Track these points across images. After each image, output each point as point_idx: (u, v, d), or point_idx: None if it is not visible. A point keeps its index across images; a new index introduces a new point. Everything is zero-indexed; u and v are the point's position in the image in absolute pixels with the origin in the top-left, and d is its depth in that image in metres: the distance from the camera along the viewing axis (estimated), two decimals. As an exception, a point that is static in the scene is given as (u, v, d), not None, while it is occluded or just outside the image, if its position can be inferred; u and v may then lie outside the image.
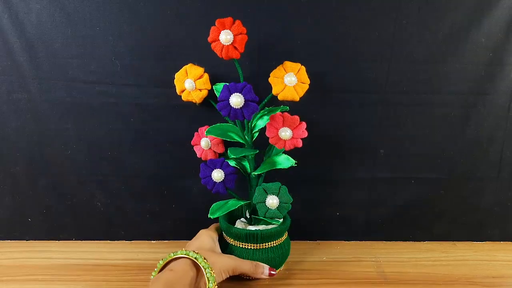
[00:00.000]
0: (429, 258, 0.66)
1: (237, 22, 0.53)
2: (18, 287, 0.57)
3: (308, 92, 0.56)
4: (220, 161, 0.58)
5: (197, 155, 0.62)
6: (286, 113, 0.55)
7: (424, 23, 0.62)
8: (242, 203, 0.58)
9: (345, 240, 0.72)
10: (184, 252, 0.51)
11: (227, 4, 0.61)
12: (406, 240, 0.72)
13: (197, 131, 0.62)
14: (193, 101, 0.59)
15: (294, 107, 0.58)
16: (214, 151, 0.61)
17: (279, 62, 0.56)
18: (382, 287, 0.58)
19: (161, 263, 0.51)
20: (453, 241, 0.72)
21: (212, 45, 0.54)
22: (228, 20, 0.53)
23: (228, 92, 0.53)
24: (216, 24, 0.53)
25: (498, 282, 0.60)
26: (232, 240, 0.58)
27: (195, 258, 0.50)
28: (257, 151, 0.58)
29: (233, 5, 0.61)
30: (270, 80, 0.54)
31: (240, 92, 0.53)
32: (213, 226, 0.63)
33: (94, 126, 0.66)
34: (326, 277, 0.60)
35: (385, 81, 0.64)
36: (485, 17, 0.62)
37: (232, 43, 0.53)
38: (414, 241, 0.72)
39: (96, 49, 0.62)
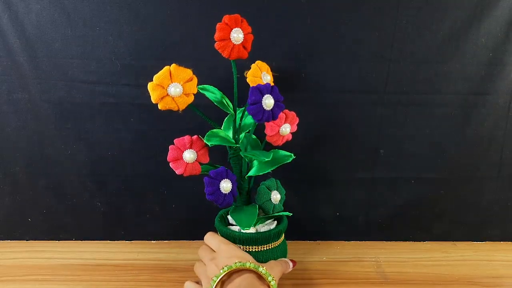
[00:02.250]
0: (429, 258, 0.66)
1: (244, 20, 0.51)
2: (18, 287, 0.57)
3: (307, 92, 0.56)
4: (223, 170, 0.53)
5: (177, 173, 0.52)
6: (286, 110, 0.55)
7: (424, 23, 0.62)
8: (257, 205, 0.56)
9: (345, 240, 0.72)
10: (253, 266, 0.48)
11: (227, 4, 0.61)
12: (406, 240, 0.72)
13: (173, 144, 0.53)
14: (174, 109, 0.49)
15: (293, 107, 0.58)
16: (200, 163, 0.53)
17: (279, 62, 0.56)
18: (382, 287, 0.58)
19: (226, 269, 0.47)
20: (453, 241, 0.72)
21: (220, 44, 0.50)
22: (238, 17, 0.50)
23: (260, 94, 0.50)
24: (225, 21, 0.50)
25: (498, 282, 0.60)
26: (255, 247, 0.55)
27: (264, 273, 0.47)
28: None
29: (233, 5, 0.61)
30: (250, 80, 0.52)
31: (270, 93, 0.50)
32: (221, 240, 0.55)
33: (94, 126, 0.66)
34: (326, 277, 0.60)
35: (385, 81, 0.64)
36: (485, 17, 0.62)
37: (242, 42, 0.51)
38: (414, 241, 0.72)
39: (96, 49, 0.62)
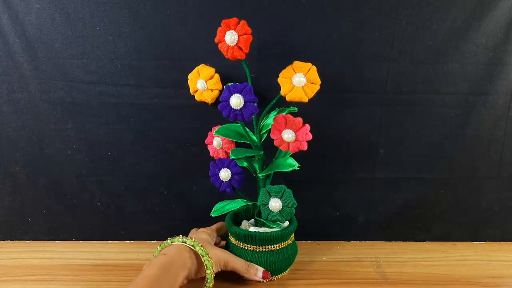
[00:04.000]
0: (429, 258, 0.66)
1: (242, 22, 0.52)
2: (18, 287, 0.57)
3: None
4: (228, 160, 0.58)
5: (210, 154, 0.63)
6: (289, 115, 0.54)
7: (424, 23, 0.62)
8: (245, 203, 0.58)
9: (345, 240, 0.72)
10: (181, 240, 0.52)
11: (227, 4, 0.61)
12: (406, 240, 0.72)
13: (211, 130, 0.63)
14: (206, 101, 0.59)
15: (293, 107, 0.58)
16: (226, 151, 0.61)
17: (279, 62, 0.56)
18: (382, 287, 0.58)
19: (159, 249, 0.52)
20: (453, 241, 0.72)
21: (219, 45, 0.54)
22: (233, 20, 0.53)
23: (229, 92, 0.53)
24: (221, 24, 0.53)
25: (498, 282, 0.60)
26: (234, 239, 0.58)
27: (192, 245, 0.52)
28: (262, 152, 0.57)
29: (233, 5, 0.61)
30: (279, 80, 0.54)
31: (240, 93, 0.52)
32: (214, 226, 0.63)
33: (94, 126, 0.66)
34: (326, 277, 0.60)
35: (385, 81, 0.64)
36: (485, 17, 0.62)
37: (236, 43, 0.52)
38: (414, 241, 0.72)
39: (96, 49, 0.62)
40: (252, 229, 0.58)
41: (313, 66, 0.54)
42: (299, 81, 0.53)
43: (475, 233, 0.72)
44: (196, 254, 0.52)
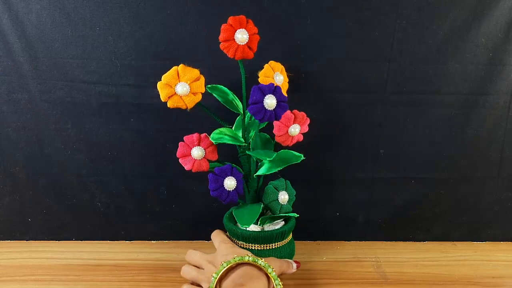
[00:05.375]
0: (429, 258, 0.66)
1: (250, 21, 0.52)
2: (18, 287, 0.57)
3: (308, 92, 0.56)
4: (228, 168, 0.54)
5: (186, 168, 0.53)
6: (295, 110, 0.55)
7: (424, 23, 0.62)
8: (262, 204, 0.56)
9: (345, 240, 0.72)
10: (252, 259, 0.48)
11: (227, 4, 0.61)
12: (406, 240, 0.72)
13: (182, 141, 0.54)
14: (183, 107, 0.51)
15: (293, 107, 0.58)
16: (208, 160, 0.54)
17: (279, 62, 0.56)
18: (382, 287, 0.58)
19: (225, 265, 0.48)
20: (453, 241, 0.72)
21: (225, 44, 0.51)
22: (242, 18, 0.51)
23: (262, 94, 0.50)
24: (229, 22, 0.50)
25: (498, 282, 0.60)
26: (258, 245, 0.56)
27: (264, 266, 0.48)
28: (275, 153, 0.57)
29: (233, 5, 0.61)
30: (261, 80, 0.53)
31: (272, 94, 0.51)
32: (221, 236, 0.57)
33: (94, 126, 0.66)
34: (326, 277, 0.60)
35: (385, 81, 0.64)
36: (485, 17, 0.62)
37: (247, 43, 0.51)
38: (414, 241, 0.72)
39: (96, 49, 0.62)
40: (269, 227, 0.58)
41: (282, 65, 0.56)
42: (280, 79, 0.54)
43: (475, 233, 0.72)
44: (267, 276, 0.48)
